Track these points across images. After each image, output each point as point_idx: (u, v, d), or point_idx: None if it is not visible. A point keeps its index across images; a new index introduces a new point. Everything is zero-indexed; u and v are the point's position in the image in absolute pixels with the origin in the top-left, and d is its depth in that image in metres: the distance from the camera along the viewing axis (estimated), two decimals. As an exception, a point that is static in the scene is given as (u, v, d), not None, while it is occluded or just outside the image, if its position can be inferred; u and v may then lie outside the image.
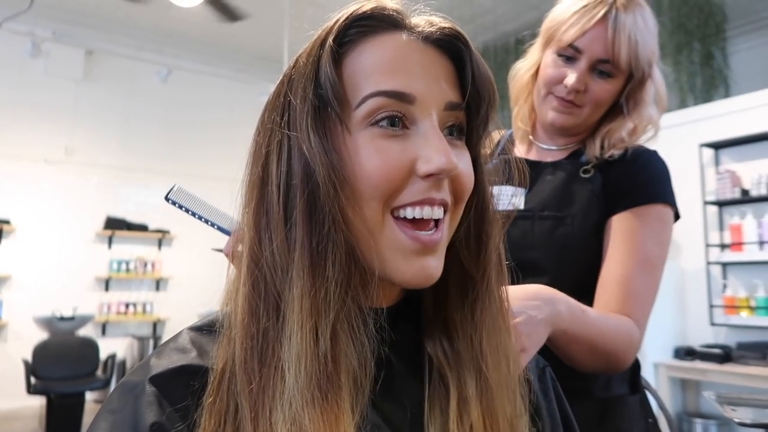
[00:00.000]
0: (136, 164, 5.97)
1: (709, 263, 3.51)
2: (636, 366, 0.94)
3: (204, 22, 5.35)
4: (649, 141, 0.99)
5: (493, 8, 5.22)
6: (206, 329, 0.47)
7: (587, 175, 0.93)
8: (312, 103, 0.43)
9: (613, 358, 0.79)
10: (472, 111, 0.48)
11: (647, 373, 3.36)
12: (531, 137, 1.03)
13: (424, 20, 0.47)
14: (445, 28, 0.46)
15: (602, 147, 0.94)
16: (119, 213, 5.86)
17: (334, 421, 0.38)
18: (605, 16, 0.88)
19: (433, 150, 0.43)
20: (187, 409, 0.41)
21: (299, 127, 0.43)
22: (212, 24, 5.07)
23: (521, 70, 1.03)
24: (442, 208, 0.45)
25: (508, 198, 0.91)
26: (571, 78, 0.90)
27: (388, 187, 0.43)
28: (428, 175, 0.43)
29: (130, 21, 5.66)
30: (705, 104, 4.01)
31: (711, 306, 3.49)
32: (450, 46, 0.47)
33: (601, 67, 0.90)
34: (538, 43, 0.99)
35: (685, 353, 3.39)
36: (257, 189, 0.45)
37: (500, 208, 0.89)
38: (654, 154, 0.96)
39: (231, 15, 4.41)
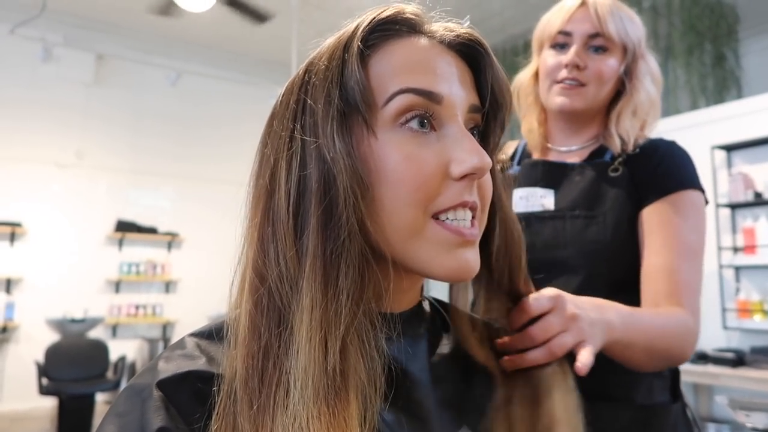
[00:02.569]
0: (146, 167, 6.02)
1: (721, 266, 3.47)
2: (676, 373, 0.93)
3: (212, 26, 5.38)
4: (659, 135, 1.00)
5: (501, 11, 5.21)
6: (210, 336, 0.46)
7: (615, 174, 0.93)
8: (337, 107, 0.42)
9: (672, 354, 0.77)
10: (489, 116, 0.49)
11: (659, 378, 3.33)
12: (548, 144, 1.03)
13: (443, 26, 0.48)
14: (463, 33, 0.47)
15: (621, 139, 0.94)
16: (129, 216, 5.90)
17: None
18: (584, 1, 0.95)
19: (466, 151, 0.43)
20: (194, 416, 0.40)
21: (321, 132, 0.42)
22: (220, 28, 5.10)
23: (521, 77, 1.05)
24: (471, 213, 0.45)
25: (538, 199, 0.96)
26: (567, 56, 0.93)
27: (425, 193, 0.42)
28: (463, 177, 0.43)
29: (139, 26, 5.71)
30: (717, 106, 3.96)
31: (724, 309, 3.45)
32: (468, 50, 0.48)
33: (594, 43, 0.94)
34: (534, 54, 1.04)
35: (698, 357, 3.35)
36: (263, 200, 0.44)
37: (531, 209, 0.95)
38: (673, 143, 0.96)
39: (256, 16, 4.44)
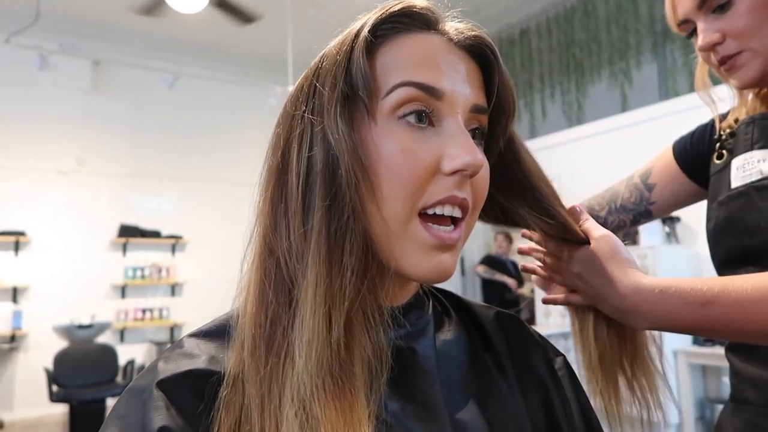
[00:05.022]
0: (146, 171, 6.03)
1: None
2: None
3: (207, 28, 5.37)
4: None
5: (497, 0, 5.19)
6: (209, 335, 0.47)
7: None
8: (342, 91, 0.44)
9: None
10: (492, 121, 0.50)
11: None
12: None
13: (454, 27, 0.48)
14: (475, 36, 0.48)
15: None
16: (132, 220, 5.92)
17: (348, 409, 0.38)
18: None
19: (459, 148, 0.43)
20: (194, 414, 0.41)
21: (326, 114, 0.43)
22: (216, 29, 5.09)
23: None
24: (461, 210, 0.45)
25: (755, 164, 0.74)
26: (698, 42, 0.76)
27: (413, 186, 0.43)
28: (453, 172, 0.43)
29: (134, 30, 5.70)
30: (716, 87, 3.95)
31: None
32: (479, 52, 0.48)
33: (712, 4, 0.73)
34: None
35: (705, 339, 3.35)
36: (275, 177, 0.45)
37: (748, 179, 0.74)
38: None
39: (244, 17, 4.43)
